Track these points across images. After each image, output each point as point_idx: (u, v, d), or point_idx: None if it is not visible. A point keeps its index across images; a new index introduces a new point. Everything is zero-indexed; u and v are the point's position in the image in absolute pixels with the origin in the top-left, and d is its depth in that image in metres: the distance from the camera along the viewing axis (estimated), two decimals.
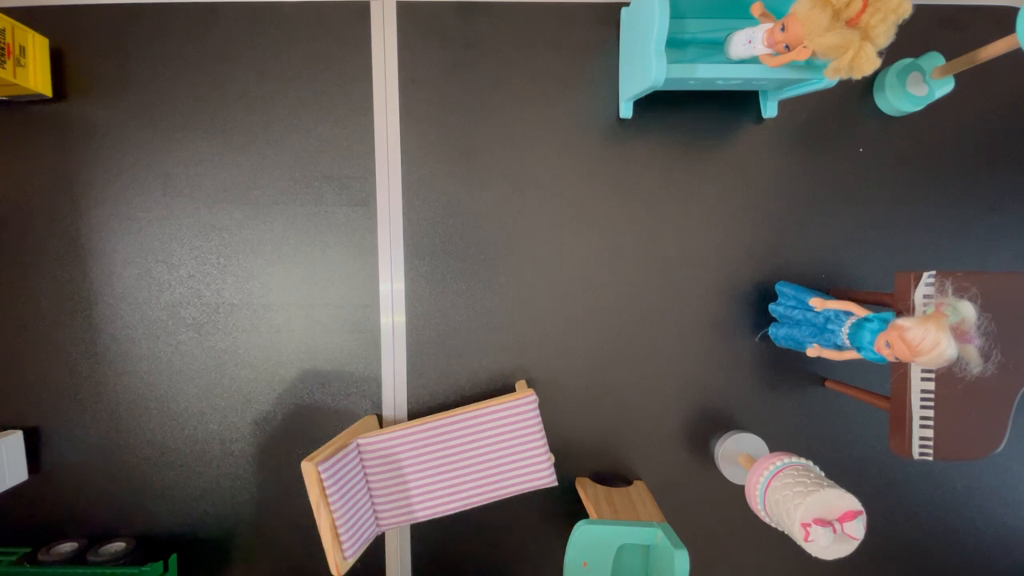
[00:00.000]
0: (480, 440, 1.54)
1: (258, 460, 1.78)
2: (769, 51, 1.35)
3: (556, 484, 1.57)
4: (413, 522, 1.56)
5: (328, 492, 1.37)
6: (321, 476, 1.35)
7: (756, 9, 1.37)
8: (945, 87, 1.66)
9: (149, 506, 1.78)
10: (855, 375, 1.76)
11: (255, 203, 1.73)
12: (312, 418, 1.77)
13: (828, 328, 1.43)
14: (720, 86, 1.51)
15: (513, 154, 1.73)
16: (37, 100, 1.69)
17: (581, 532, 1.28)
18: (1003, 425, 1.34)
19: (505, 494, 1.56)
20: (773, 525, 1.35)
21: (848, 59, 1.20)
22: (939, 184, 1.76)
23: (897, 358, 1.20)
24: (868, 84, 1.74)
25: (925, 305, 1.28)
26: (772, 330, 1.66)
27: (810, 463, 1.36)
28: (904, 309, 1.31)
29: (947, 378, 1.32)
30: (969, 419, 1.33)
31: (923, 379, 1.34)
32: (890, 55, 1.67)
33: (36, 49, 1.61)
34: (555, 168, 1.73)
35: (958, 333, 1.14)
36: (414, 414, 1.77)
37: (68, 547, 1.69)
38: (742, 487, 1.77)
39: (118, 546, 1.69)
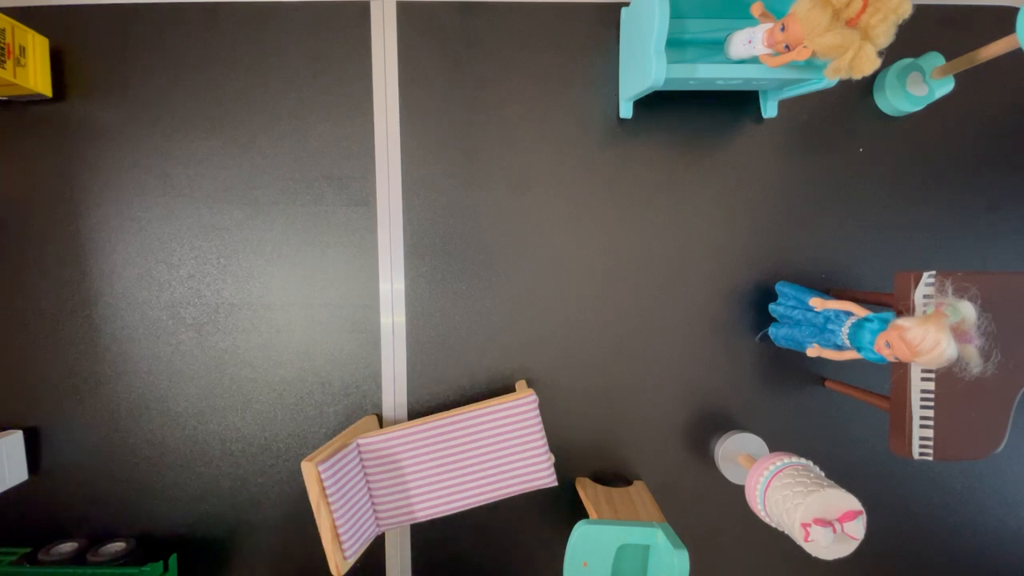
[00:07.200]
0: (480, 440, 1.54)
1: (258, 460, 1.78)
2: (769, 51, 1.35)
3: (556, 484, 1.57)
4: (413, 522, 1.56)
5: (328, 492, 1.37)
6: (321, 476, 1.35)
7: (756, 9, 1.37)
8: (945, 87, 1.66)
9: (149, 506, 1.78)
10: (855, 375, 1.76)
11: (255, 203, 1.73)
12: (312, 418, 1.77)
13: (828, 328, 1.43)
14: (720, 86, 1.51)
15: (513, 154, 1.73)
16: (37, 100, 1.69)
17: (581, 532, 1.28)
18: (1003, 425, 1.34)
19: (505, 494, 1.56)
20: (773, 525, 1.35)
21: (848, 59, 1.20)
22: (939, 184, 1.76)
23: (897, 358, 1.20)
24: (868, 84, 1.74)
25: (925, 305, 1.28)
26: (772, 330, 1.66)
27: (810, 463, 1.36)
28: (904, 309, 1.31)
29: (947, 378, 1.32)
30: (969, 419, 1.33)
31: (923, 379, 1.34)
32: (890, 55, 1.67)
33: (36, 49, 1.61)
34: (555, 168, 1.73)
35: (958, 333, 1.14)
36: (414, 414, 1.77)
37: (68, 547, 1.69)
38: (742, 487, 1.77)
39: (118, 546, 1.69)
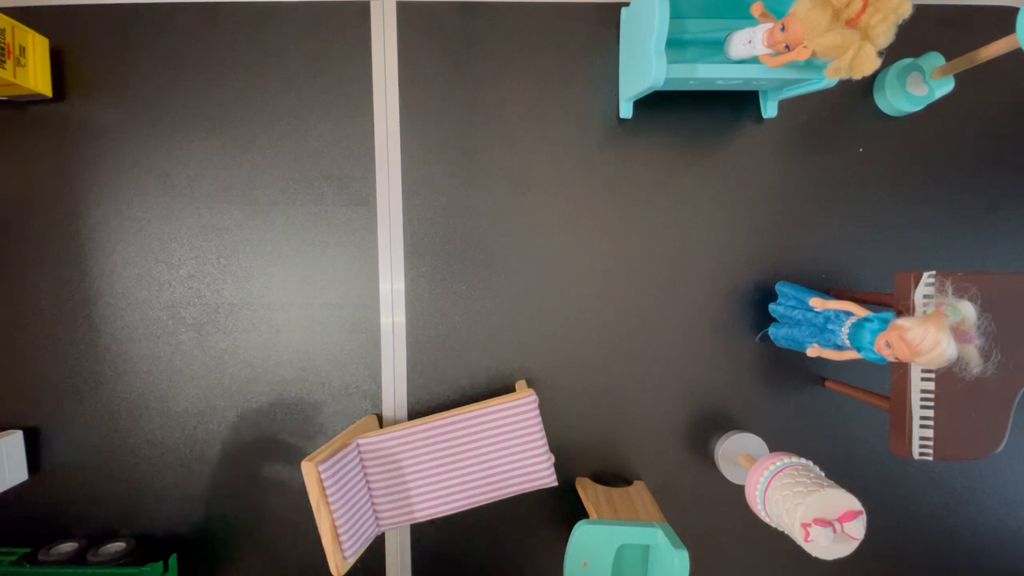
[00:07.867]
0: (480, 440, 1.54)
1: (258, 460, 1.78)
2: (769, 51, 1.35)
3: (556, 484, 1.57)
4: (413, 522, 1.56)
5: (328, 492, 1.37)
6: (321, 476, 1.35)
7: (756, 9, 1.37)
8: (945, 87, 1.66)
9: (149, 506, 1.78)
10: (855, 375, 1.76)
11: (255, 203, 1.73)
12: (312, 418, 1.77)
13: (828, 328, 1.43)
14: (720, 86, 1.51)
15: (513, 154, 1.73)
16: (37, 100, 1.69)
17: (581, 532, 1.28)
18: (1003, 425, 1.34)
19: (505, 494, 1.56)
20: (773, 525, 1.35)
21: (848, 59, 1.20)
22: (939, 184, 1.76)
23: (897, 358, 1.20)
24: (868, 84, 1.74)
25: (925, 305, 1.28)
26: (772, 330, 1.66)
27: (810, 463, 1.36)
28: (904, 309, 1.31)
29: (947, 378, 1.32)
30: (969, 419, 1.33)
31: (923, 379, 1.34)
32: (890, 55, 1.67)
33: (36, 49, 1.61)
34: (555, 168, 1.73)
35: (958, 333, 1.14)
36: (414, 414, 1.77)
37: (68, 547, 1.69)
38: (742, 487, 1.77)
39: (118, 546, 1.69)
